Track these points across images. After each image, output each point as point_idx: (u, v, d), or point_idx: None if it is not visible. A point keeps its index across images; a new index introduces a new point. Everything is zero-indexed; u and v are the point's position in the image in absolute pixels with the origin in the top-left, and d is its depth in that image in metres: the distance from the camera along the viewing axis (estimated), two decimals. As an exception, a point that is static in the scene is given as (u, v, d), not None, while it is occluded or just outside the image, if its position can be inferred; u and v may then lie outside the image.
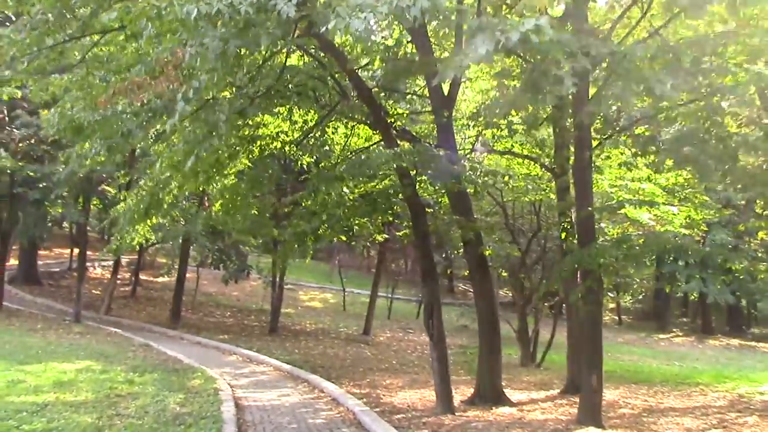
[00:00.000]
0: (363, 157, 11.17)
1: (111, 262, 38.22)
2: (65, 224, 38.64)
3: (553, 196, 16.52)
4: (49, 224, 23.81)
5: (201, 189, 15.01)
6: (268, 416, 10.57)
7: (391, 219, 20.60)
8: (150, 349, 17.65)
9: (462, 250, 13.97)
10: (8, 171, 20.10)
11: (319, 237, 13.94)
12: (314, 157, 14.14)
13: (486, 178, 12.78)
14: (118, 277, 34.52)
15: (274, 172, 15.14)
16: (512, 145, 16.13)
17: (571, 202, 13.00)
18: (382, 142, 11.75)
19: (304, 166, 14.73)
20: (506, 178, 15.31)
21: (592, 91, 9.67)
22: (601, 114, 9.60)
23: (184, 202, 23.12)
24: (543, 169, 16.56)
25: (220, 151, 11.54)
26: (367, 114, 11.86)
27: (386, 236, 22.05)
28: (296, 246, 13.86)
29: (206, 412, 10.09)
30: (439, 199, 15.43)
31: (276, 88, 11.43)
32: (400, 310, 36.61)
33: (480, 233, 12.54)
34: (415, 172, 10.44)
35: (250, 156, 12.48)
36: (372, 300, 27.78)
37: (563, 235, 14.93)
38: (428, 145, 10.82)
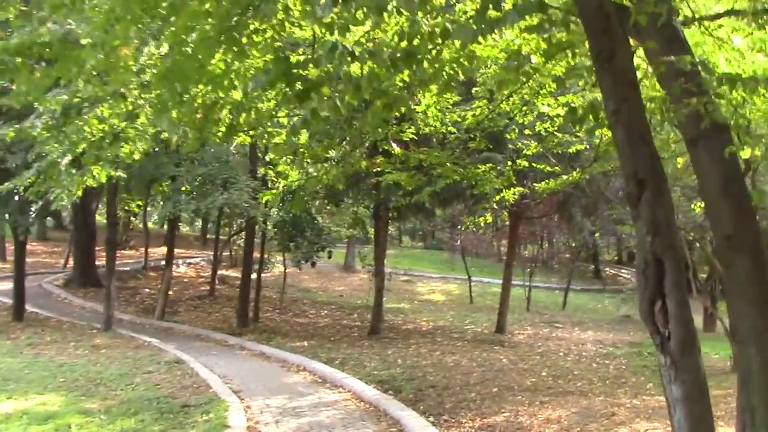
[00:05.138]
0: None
1: (198, 259, 33.99)
2: (154, 220, 34.38)
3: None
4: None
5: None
6: None
7: (526, 163, 13.61)
8: (176, 369, 11.93)
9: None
10: None
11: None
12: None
13: None
14: (202, 275, 29.84)
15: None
16: None
17: None
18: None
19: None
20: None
21: None
22: None
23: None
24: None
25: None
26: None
27: (521, 189, 14.77)
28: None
29: None
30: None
31: None
32: (541, 300, 29.60)
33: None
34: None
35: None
36: (505, 288, 20.98)
37: None
38: None
